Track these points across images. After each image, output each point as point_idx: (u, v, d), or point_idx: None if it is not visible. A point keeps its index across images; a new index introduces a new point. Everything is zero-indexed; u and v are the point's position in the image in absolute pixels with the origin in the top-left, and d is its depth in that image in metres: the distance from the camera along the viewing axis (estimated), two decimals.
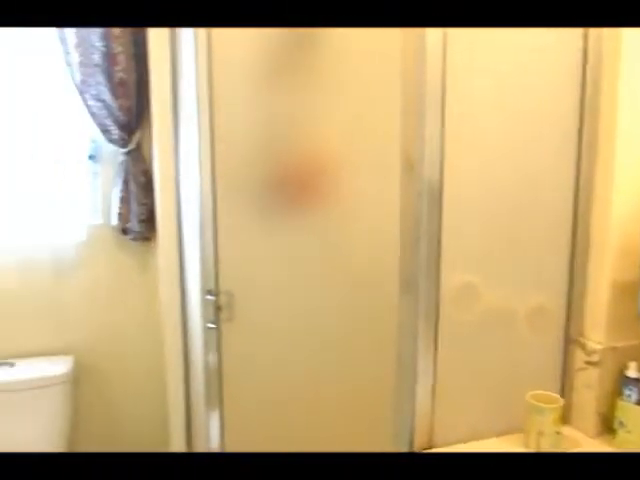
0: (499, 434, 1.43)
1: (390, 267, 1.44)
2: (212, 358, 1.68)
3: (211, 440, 1.77)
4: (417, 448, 1.39)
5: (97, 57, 1.90)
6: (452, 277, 1.35)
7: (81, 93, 1.94)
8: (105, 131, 1.99)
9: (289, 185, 1.65)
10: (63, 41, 1.89)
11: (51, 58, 1.99)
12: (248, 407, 1.75)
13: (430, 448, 1.40)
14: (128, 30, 1.90)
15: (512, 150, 1.34)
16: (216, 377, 1.70)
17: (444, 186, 1.30)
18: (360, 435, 1.69)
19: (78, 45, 1.89)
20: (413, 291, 1.36)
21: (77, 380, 2.18)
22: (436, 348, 1.37)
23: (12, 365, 2.07)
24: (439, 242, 1.32)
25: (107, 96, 1.94)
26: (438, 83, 1.25)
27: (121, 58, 1.91)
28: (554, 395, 1.34)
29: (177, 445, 2.01)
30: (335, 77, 1.56)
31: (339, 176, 1.61)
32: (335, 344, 1.69)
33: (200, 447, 1.90)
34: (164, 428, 2.12)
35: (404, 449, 1.41)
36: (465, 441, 1.40)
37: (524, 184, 1.37)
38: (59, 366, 2.07)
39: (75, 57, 1.90)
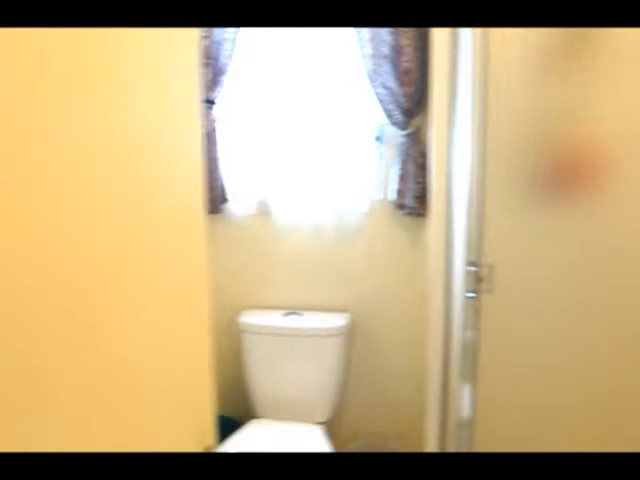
0: None
1: None
2: (470, 327, 1.79)
3: (463, 411, 1.89)
4: None
5: (386, 49, 2.12)
6: None
7: (371, 81, 2.19)
8: (389, 115, 2.21)
9: (558, 170, 1.68)
10: (359, 35, 2.15)
11: (348, 50, 2.26)
12: (501, 382, 1.82)
13: None
14: None
15: None
16: (472, 349, 1.81)
17: None
18: (614, 427, 1.67)
19: (371, 39, 2.13)
20: None
21: (351, 334, 2.46)
22: None
23: (301, 315, 2.43)
24: None
25: (393, 84, 2.15)
26: None
27: (407, 50, 2.10)
28: None
29: (432, 409, 2.17)
30: (604, 70, 1.55)
31: (608, 165, 1.60)
32: (596, 331, 1.68)
33: (453, 416, 2.03)
34: (423, 388, 2.30)
35: None
36: None
37: None
38: (337, 320, 2.36)
39: (368, 49, 2.15)
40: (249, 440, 2.17)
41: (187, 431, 0.87)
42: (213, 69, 2.28)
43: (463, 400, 1.88)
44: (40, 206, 0.54)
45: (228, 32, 2.24)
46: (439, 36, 1.90)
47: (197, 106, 0.91)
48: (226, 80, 2.31)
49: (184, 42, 0.86)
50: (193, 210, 0.86)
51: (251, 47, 2.34)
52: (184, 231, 0.83)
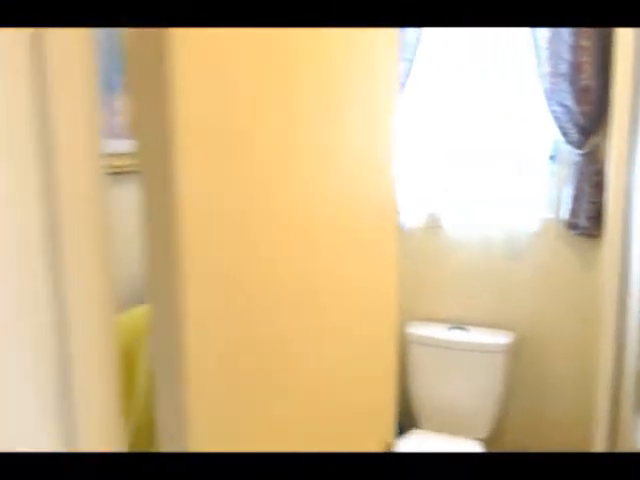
0: None
1: None
2: None
3: (636, 443, 1.80)
4: None
5: (564, 67, 2.10)
6: None
7: (547, 100, 2.17)
8: (564, 134, 2.17)
9: None
10: (537, 53, 2.16)
11: (525, 68, 2.27)
12: None
13: None
14: (595, 41, 2.05)
15: None
16: None
17: None
18: None
19: (549, 57, 2.12)
20: None
21: (516, 352, 2.43)
22: None
23: (466, 330, 2.44)
24: None
25: (570, 102, 2.12)
26: None
27: (586, 67, 2.06)
28: None
29: (600, 438, 2.09)
30: None
31: None
32: None
33: (623, 447, 1.94)
34: (589, 416, 2.22)
35: None
36: None
37: None
38: (503, 337, 2.35)
39: (546, 68, 2.14)
40: (410, 449, 2.23)
41: (374, 428, 0.96)
42: None
43: (637, 432, 1.80)
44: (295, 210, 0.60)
45: (406, 51, 2.33)
46: (623, 52, 1.85)
47: (393, 111, 0.98)
48: (400, 94, 2.41)
49: (387, 43, 0.92)
50: (389, 219, 0.94)
51: (427, 63, 2.41)
52: (381, 239, 0.91)
